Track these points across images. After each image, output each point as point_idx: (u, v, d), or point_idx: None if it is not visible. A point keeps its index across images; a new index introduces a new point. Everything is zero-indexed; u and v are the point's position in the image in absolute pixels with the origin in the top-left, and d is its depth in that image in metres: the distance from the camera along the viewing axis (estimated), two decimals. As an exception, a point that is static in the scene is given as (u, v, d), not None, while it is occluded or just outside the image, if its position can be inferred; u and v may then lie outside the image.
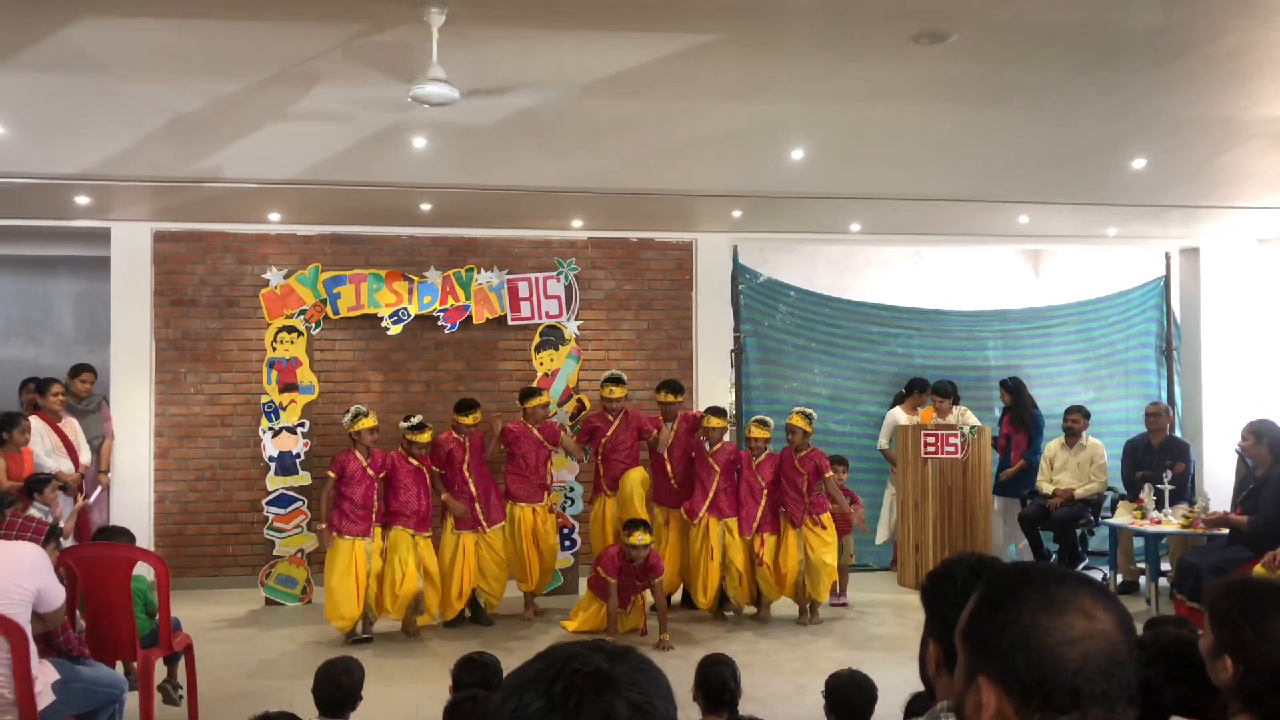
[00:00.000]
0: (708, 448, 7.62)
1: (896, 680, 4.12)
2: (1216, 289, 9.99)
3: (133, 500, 8.47)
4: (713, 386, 9.26)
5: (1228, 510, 7.35)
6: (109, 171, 6.90)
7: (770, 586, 7.53)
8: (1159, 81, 5.42)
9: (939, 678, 1.87)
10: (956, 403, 8.99)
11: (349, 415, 7.24)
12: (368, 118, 5.86)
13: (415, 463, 7.30)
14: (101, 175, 6.99)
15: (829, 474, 7.61)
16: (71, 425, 7.82)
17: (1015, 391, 9.17)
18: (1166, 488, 7.81)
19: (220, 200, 7.80)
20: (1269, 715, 2.05)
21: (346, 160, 6.67)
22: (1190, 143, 6.62)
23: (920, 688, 2.34)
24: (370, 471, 7.15)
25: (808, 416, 7.65)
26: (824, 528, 7.54)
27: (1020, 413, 9.10)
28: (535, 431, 7.59)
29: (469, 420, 7.38)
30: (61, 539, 5.35)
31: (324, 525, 7.18)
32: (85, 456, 7.79)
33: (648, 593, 7.26)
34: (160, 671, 5.43)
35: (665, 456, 7.60)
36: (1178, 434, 9.34)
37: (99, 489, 8.16)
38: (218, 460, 8.76)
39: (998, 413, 9.46)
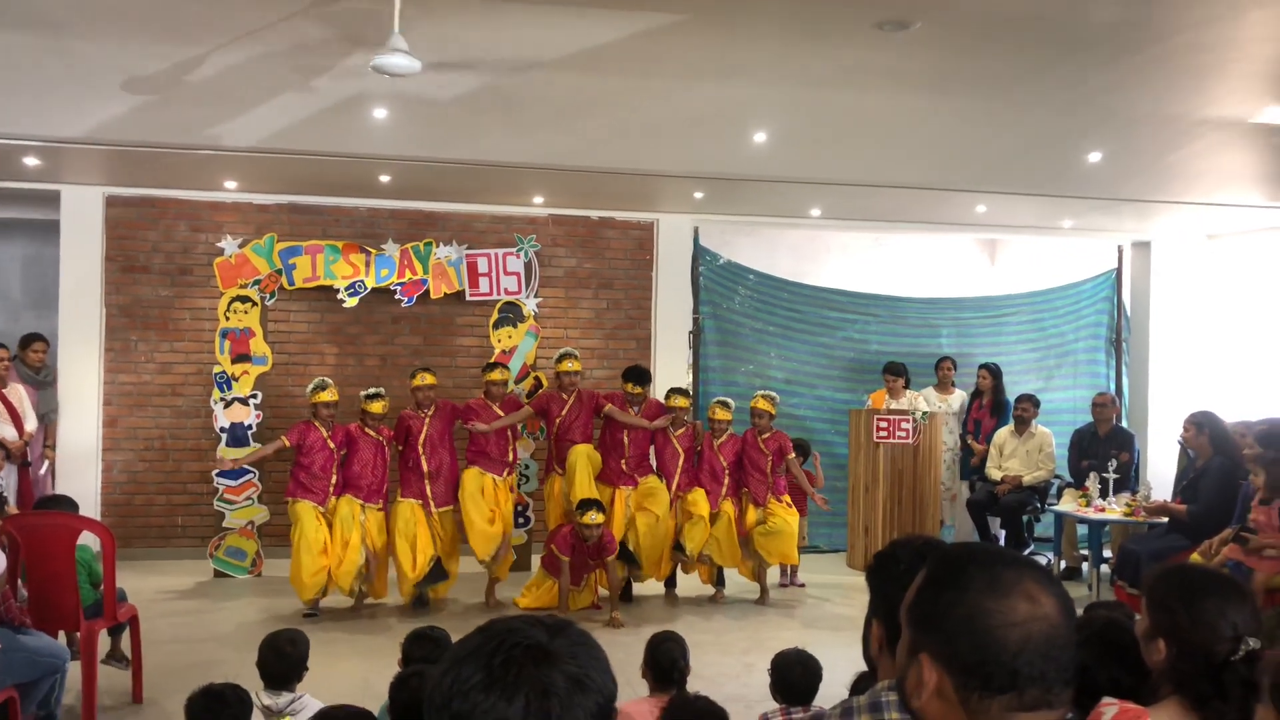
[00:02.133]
0: (672, 430, 7.63)
1: (843, 660, 4.17)
2: (1166, 283, 10.18)
3: (80, 469, 8.33)
4: (670, 367, 9.29)
5: (1168, 499, 7.52)
6: (59, 133, 6.75)
7: (720, 549, 7.52)
8: (1116, 76, 5.50)
9: (881, 657, 1.90)
10: (908, 385, 9.11)
11: (311, 385, 7.22)
12: (327, 86, 5.79)
13: (373, 434, 7.25)
14: (51, 137, 6.84)
15: (791, 455, 7.69)
16: (17, 392, 7.66)
17: (998, 376, 9.35)
18: (1111, 476, 7.97)
19: (175, 166, 7.66)
20: (1198, 697, 2.11)
21: (305, 129, 6.58)
22: (1145, 138, 6.73)
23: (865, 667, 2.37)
24: (331, 444, 7.11)
25: (771, 399, 7.72)
26: (789, 506, 7.64)
27: (999, 398, 9.27)
28: (496, 408, 7.53)
29: (418, 381, 7.32)
30: (5, 507, 5.26)
31: (232, 464, 7.69)
32: (30, 424, 7.64)
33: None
34: (104, 643, 5.37)
35: (625, 435, 7.56)
36: (1124, 424, 9.52)
37: (46, 464, 8.01)
38: (168, 430, 8.64)
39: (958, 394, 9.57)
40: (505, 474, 7.50)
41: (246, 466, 8.10)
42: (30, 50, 5.32)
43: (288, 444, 7.13)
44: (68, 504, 5.58)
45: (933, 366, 9.59)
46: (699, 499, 7.49)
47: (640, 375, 7.70)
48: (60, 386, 8.30)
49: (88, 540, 5.26)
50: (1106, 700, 2.13)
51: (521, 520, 8.41)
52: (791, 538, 7.57)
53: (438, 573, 7.33)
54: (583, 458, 7.45)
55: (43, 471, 7.93)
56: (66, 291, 8.42)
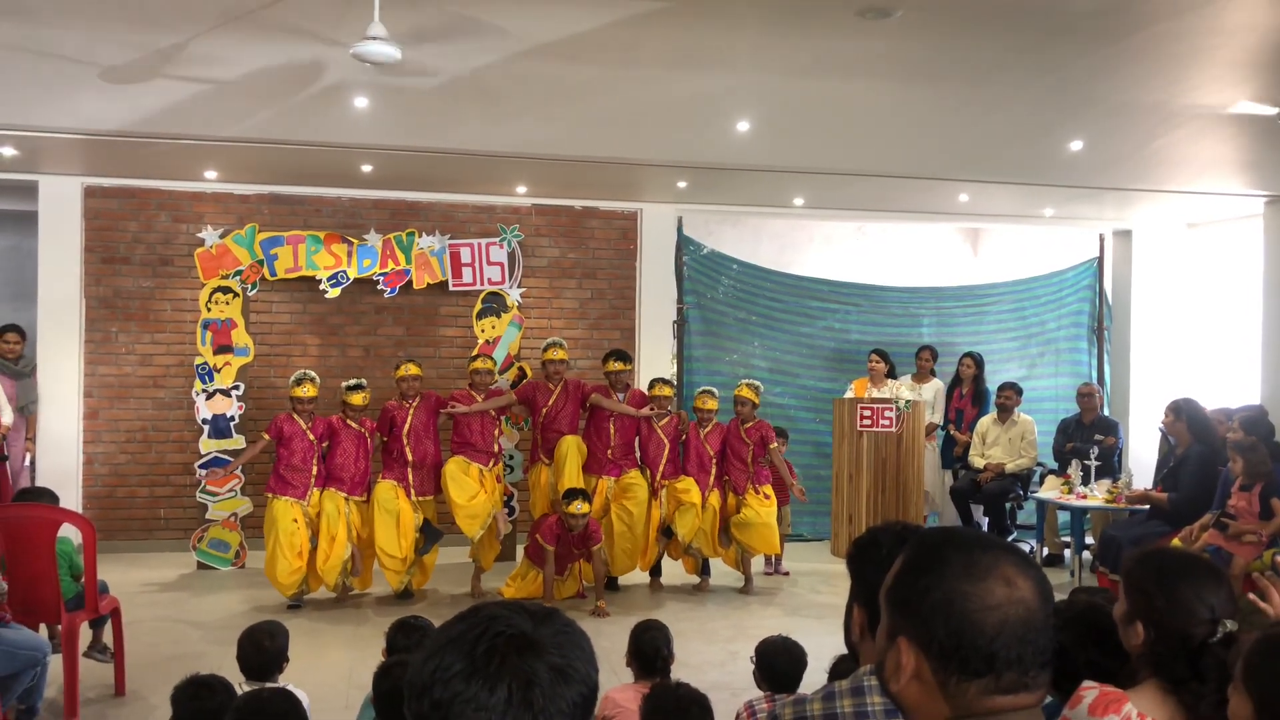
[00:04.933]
0: (656, 420, 7.62)
1: (826, 646, 4.19)
2: (1147, 271, 10.24)
3: (60, 461, 8.27)
4: (655, 357, 9.29)
5: (1149, 487, 7.58)
6: (36, 123, 6.68)
7: (707, 540, 7.54)
8: (1097, 64, 5.52)
9: (863, 642, 1.91)
10: (892, 374, 9.14)
11: (292, 378, 7.19)
12: (308, 75, 5.74)
13: (356, 426, 7.23)
14: (28, 126, 6.77)
15: (774, 445, 7.69)
16: (-7, 384, 7.60)
17: (981, 366, 9.39)
18: (1093, 464, 8.03)
19: (155, 156, 7.59)
20: (1175, 680, 2.13)
21: (286, 118, 6.53)
22: (1126, 126, 6.76)
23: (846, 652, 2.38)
24: (311, 436, 7.09)
25: (755, 388, 7.73)
26: (767, 497, 7.62)
27: (980, 388, 9.31)
28: (479, 398, 7.51)
29: (402, 372, 7.30)
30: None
31: (222, 472, 7.83)
32: (7, 417, 7.56)
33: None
34: (86, 635, 5.35)
35: (611, 425, 7.56)
36: (1106, 412, 9.58)
37: (27, 457, 7.94)
38: (150, 422, 8.59)
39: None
40: (491, 464, 7.47)
41: (228, 458, 8.08)
42: (5, 39, 5.25)
43: (267, 438, 7.11)
44: (48, 496, 5.54)
45: (913, 355, 9.61)
46: (690, 486, 7.49)
47: (622, 354, 7.75)
48: (40, 379, 8.23)
49: (68, 532, 5.23)
50: (1087, 684, 2.15)
51: (507, 510, 8.40)
52: (766, 528, 7.54)
53: (432, 534, 7.31)
54: (573, 448, 7.44)
55: (25, 463, 7.87)
56: (45, 283, 8.35)
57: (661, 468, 7.58)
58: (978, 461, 8.92)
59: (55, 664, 4.85)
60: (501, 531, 7.56)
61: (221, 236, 8.47)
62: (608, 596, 7.25)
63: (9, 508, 5.79)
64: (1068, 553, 8.54)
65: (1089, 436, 8.47)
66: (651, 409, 7.60)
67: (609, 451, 7.55)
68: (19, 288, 9.97)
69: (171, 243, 8.59)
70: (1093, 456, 8.07)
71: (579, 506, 6.85)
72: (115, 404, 8.54)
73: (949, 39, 5.18)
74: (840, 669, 2.85)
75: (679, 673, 3.95)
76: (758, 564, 8.06)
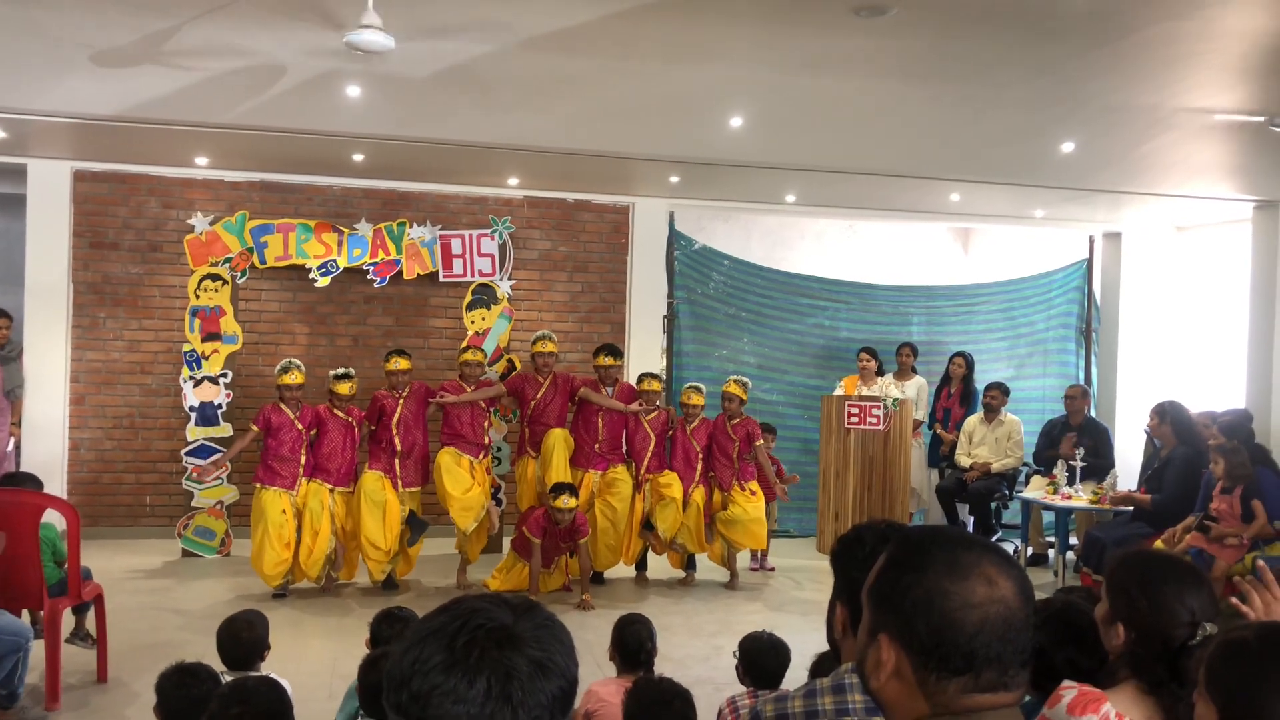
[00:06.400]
0: (644, 414, 7.62)
1: (810, 643, 4.20)
2: (1136, 274, 10.28)
3: (46, 447, 8.23)
4: (645, 351, 9.29)
5: (1134, 488, 7.62)
6: (26, 105, 6.63)
7: (691, 536, 7.56)
8: (1090, 66, 5.53)
9: (845, 639, 1.91)
10: (881, 372, 9.16)
11: (278, 367, 7.16)
12: (301, 62, 5.72)
13: (343, 415, 7.21)
14: (18, 109, 6.72)
15: (760, 442, 7.70)
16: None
17: (971, 366, 9.40)
18: (1079, 464, 8.05)
19: (145, 141, 7.56)
20: (1154, 682, 2.14)
21: (278, 105, 6.50)
22: (1117, 129, 6.78)
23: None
24: (299, 426, 7.06)
25: (743, 385, 7.73)
26: (752, 493, 7.63)
27: (969, 387, 9.33)
28: (468, 389, 7.50)
29: (391, 366, 7.28)
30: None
31: (210, 462, 7.74)
32: (-9, 400, 7.54)
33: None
34: (69, 621, 5.33)
35: (599, 419, 7.55)
36: (1093, 414, 9.61)
37: (12, 441, 7.91)
38: (136, 408, 8.56)
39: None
40: (481, 456, 7.48)
41: (215, 445, 8.07)
42: (-5, 20, 5.22)
43: (256, 429, 7.08)
44: (32, 481, 5.52)
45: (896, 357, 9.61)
46: (672, 480, 7.50)
47: (613, 349, 7.73)
48: (26, 363, 8.20)
49: (52, 518, 5.20)
50: (1066, 684, 2.16)
51: (495, 502, 8.38)
52: (755, 523, 7.55)
53: (417, 526, 7.29)
54: (560, 442, 7.45)
55: (10, 448, 7.84)
56: (33, 267, 8.30)
57: (646, 462, 7.58)
58: (964, 461, 8.95)
59: (37, 650, 4.83)
60: (495, 525, 7.57)
61: (211, 223, 8.43)
62: (593, 590, 7.25)
63: (-7, 492, 5.76)
64: (1052, 553, 8.57)
65: (1077, 440, 8.48)
66: (641, 404, 7.60)
67: (596, 445, 7.55)
68: (6, 272, 9.90)
69: (161, 229, 8.55)
70: (1079, 458, 8.10)
71: (566, 501, 6.84)
72: (102, 390, 8.50)
73: (943, 38, 5.19)
74: (822, 666, 2.86)
75: (662, 667, 3.96)
76: (743, 559, 8.07)
